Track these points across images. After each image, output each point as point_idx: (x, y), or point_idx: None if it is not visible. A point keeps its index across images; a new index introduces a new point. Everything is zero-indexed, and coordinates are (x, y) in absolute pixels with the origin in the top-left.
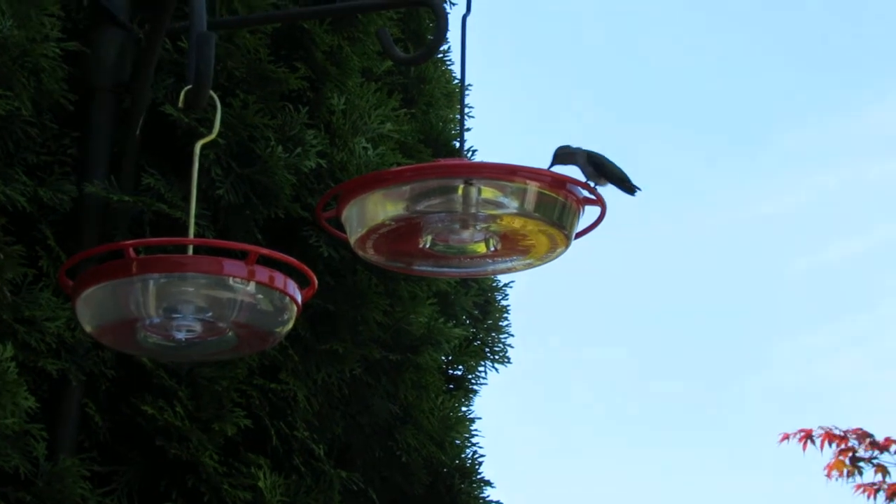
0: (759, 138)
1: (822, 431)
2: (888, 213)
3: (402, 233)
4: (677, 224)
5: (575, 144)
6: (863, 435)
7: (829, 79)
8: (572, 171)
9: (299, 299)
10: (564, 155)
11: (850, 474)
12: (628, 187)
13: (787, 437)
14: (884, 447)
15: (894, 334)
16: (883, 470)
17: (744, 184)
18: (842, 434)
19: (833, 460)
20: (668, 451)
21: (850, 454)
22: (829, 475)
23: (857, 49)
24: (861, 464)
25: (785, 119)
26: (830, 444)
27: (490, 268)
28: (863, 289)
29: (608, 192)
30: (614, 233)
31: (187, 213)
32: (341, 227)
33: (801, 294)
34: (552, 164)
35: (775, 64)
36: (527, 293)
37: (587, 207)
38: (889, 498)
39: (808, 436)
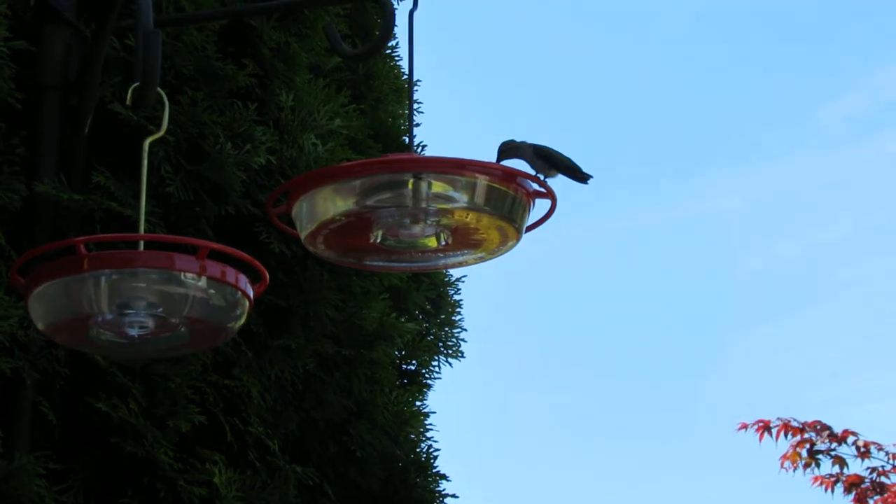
0: (712, 130)
1: (780, 422)
2: (844, 206)
3: (352, 228)
4: (630, 218)
5: (520, 139)
6: (821, 428)
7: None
8: (519, 165)
9: (251, 294)
10: (510, 150)
11: (806, 466)
12: (580, 176)
13: (745, 426)
14: (841, 439)
15: (851, 329)
16: (841, 462)
17: (696, 177)
18: (800, 426)
19: (789, 451)
20: (624, 447)
21: (808, 446)
22: (782, 466)
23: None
24: (819, 456)
25: (749, 115)
26: (787, 436)
27: (441, 262)
28: (817, 283)
29: (559, 183)
30: (566, 227)
31: (138, 211)
32: (292, 223)
33: (754, 289)
34: (498, 160)
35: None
36: (479, 287)
37: (537, 200)
38: (847, 490)
39: (765, 427)
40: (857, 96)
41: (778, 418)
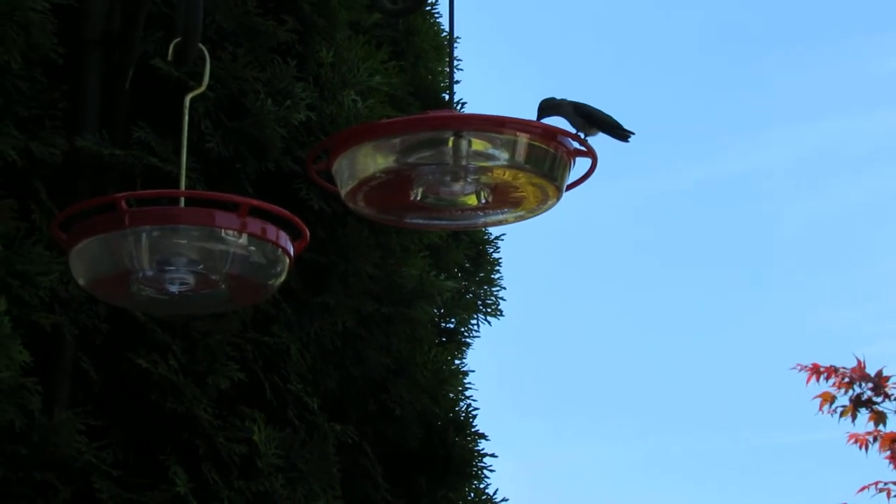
0: (756, 82)
1: (825, 368)
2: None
3: (392, 185)
4: (670, 175)
5: (560, 96)
6: (862, 375)
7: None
8: (560, 123)
9: (291, 251)
10: (550, 107)
11: (843, 414)
12: (621, 134)
13: (801, 367)
14: (881, 385)
15: (892, 286)
16: (880, 416)
17: (735, 134)
18: (842, 371)
19: (825, 392)
20: (662, 403)
21: (849, 391)
22: (820, 408)
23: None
24: (861, 409)
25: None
26: (828, 379)
27: (481, 220)
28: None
29: (601, 141)
30: (607, 185)
31: (178, 167)
32: (332, 180)
33: (797, 244)
34: (539, 118)
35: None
36: (518, 246)
37: (578, 159)
38: (885, 447)
39: (815, 370)
40: None
41: (824, 366)
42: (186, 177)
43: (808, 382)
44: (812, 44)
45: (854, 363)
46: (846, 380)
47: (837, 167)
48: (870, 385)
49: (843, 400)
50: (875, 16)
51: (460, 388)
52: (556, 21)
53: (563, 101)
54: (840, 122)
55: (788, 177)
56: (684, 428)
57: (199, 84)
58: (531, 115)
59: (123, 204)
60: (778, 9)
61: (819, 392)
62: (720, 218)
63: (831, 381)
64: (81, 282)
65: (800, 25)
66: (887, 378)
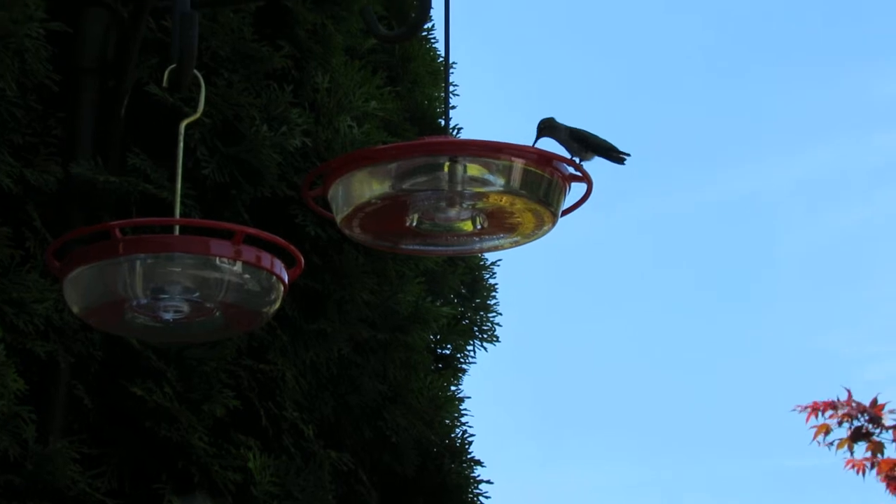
0: (756, 105)
1: (823, 403)
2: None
3: (388, 211)
4: (668, 198)
5: (558, 120)
6: (859, 406)
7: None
8: (555, 147)
9: (286, 279)
10: (548, 128)
11: (840, 446)
12: (616, 157)
13: (803, 408)
14: (877, 416)
15: (891, 308)
16: (878, 447)
17: (735, 157)
18: (839, 403)
19: (825, 424)
20: (661, 429)
21: (847, 422)
22: (815, 438)
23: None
24: (859, 441)
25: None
26: (824, 413)
27: (477, 245)
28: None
29: (596, 165)
30: (604, 208)
31: (173, 194)
32: (327, 206)
33: (798, 266)
34: (537, 136)
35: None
36: (515, 271)
37: (574, 184)
38: (881, 475)
39: (815, 409)
40: None
41: (823, 401)
42: (181, 203)
43: (807, 421)
44: (812, 67)
45: (852, 392)
46: (843, 412)
47: (838, 190)
48: (866, 417)
49: (840, 432)
50: (875, 40)
51: (456, 415)
52: (553, 46)
53: (559, 124)
54: (840, 146)
55: (788, 200)
56: (681, 453)
57: (195, 110)
58: (528, 140)
59: (118, 232)
60: (777, 32)
61: (816, 423)
62: (719, 242)
63: (829, 413)
64: (76, 310)
65: (800, 49)
66: (882, 406)
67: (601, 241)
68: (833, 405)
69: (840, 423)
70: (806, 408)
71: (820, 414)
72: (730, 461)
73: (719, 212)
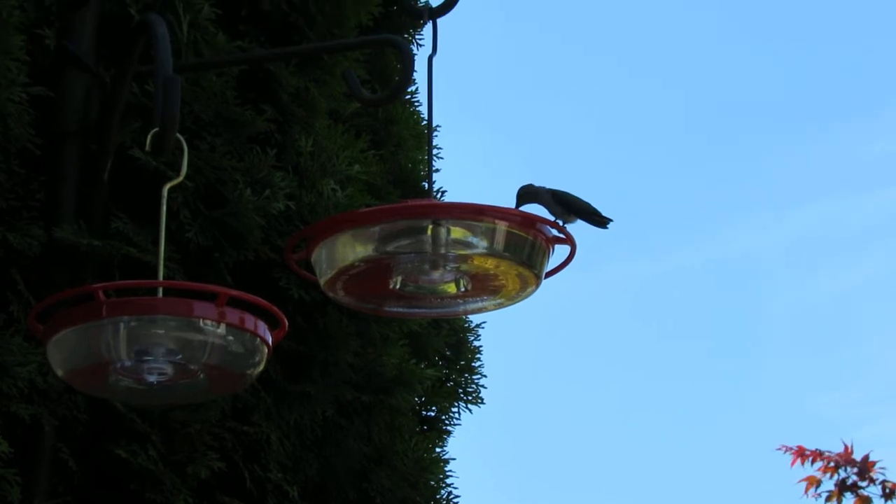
0: (744, 165)
1: (811, 452)
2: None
3: (371, 274)
4: (655, 260)
5: (539, 184)
6: (848, 460)
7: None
8: (539, 210)
9: (270, 341)
10: (528, 194)
11: (829, 499)
12: (599, 220)
13: (785, 449)
14: (866, 470)
15: (881, 370)
16: (865, 501)
17: (724, 218)
18: (827, 455)
19: (810, 475)
20: (646, 492)
21: (835, 476)
22: (806, 492)
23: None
24: (846, 493)
25: (769, 151)
26: (813, 463)
27: (461, 308)
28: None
29: (579, 228)
30: (588, 271)
31: (157, 256)
32: (311, 269)
33: (785, 327)
34: (517, 205)
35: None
36: (499, 333)
37: (557, 246)
38: None
39: (800, 454)
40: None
41: (809, 450)
42: (165, 266)
43: (792, 465)
44: (800, 127)
45: (841, 448)
46: (832, 464)
47: (827, 250)
48: (855, 470)
49: (829, 484)
50: (863, 100)
51: (441, 476)
52: (538, 109)
53: (541, 188)
54: (829, 206)
55: (778, 261)
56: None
57: (178, 174)
58: (511, 202)
59: (101, 294)
60: (764, 93)
61: (804, 476)
62: (707, 302)
63: (817, 464)
64: (59, 372)
65: (787, 109)
66: (874, 463)
67: (587, 302)
68: (821, 454)
69: (825, 473)
70: (789, 449)
71: (808, 463)
72: None
73: (707, 273)
